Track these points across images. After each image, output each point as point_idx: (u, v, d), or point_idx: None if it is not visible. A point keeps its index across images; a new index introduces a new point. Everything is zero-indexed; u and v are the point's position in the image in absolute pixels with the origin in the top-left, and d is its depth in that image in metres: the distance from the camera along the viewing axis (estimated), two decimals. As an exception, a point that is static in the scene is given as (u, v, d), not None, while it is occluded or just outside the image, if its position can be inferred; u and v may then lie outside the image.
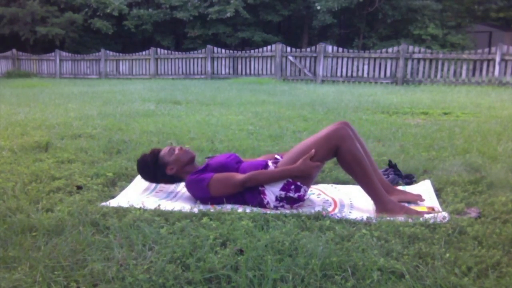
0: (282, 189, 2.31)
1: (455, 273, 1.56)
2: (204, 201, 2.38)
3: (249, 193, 2.35)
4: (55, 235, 1.90)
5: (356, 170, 2.27)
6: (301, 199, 2.35)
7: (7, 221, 2.04)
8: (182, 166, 2.50)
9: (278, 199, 2.32)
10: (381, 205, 2.25)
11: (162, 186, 2.75)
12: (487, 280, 1.52)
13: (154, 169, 2.52)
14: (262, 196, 2.34)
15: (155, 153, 2.55)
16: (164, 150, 2.55)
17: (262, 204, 2.33)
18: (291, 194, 2.32)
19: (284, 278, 1.53)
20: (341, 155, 2.28)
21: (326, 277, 1.55)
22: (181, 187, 2.72)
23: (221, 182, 2.34)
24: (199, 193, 2.38)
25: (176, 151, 2.52)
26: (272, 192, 2.33)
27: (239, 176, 2.34)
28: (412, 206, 2.33)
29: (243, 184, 2.32)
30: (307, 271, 1.56)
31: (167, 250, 1.71)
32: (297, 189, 2.32)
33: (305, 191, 2.35)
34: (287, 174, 2.31)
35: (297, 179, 2.31)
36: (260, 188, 2.33)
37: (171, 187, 2.75)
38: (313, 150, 2.28)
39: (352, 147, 2.26)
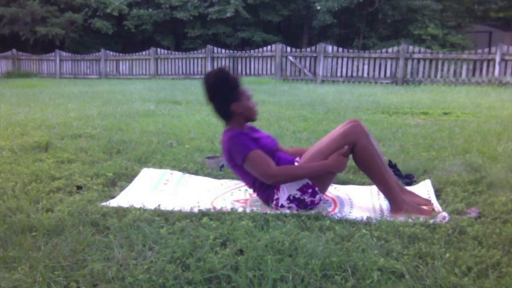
0: (300, 189, 2.28)
1: (455, 273, 1.56)
2: (229, 161, 2.34)
3: (261, 186, 2.33)
4: (55, 235, 1.90)
5: (372, 168, 2.26)
6: (312, 205, 2.31)
7: (7, 221, 2.04)
8: (242, 116, 2.37)
9: (291, 198, 2.29)
10: (396, 204, 2.23)
11: (166, 180, 2.76)
12: (487, 280, 1.52)
13: (225, 87, 2.33)
14: (275, 191, 2.31)
15: (236, 82, 2.36)
16: (248, 91, 2.39)
17: (270, 199, 2.31)
18: (305, 197, 2.28)
19: (284, 278, 1.53)
20: (358, 152, 2.26)
21: (326, 277, 1.55)
22: (183, 186, 2.72)
23: (258, 162, 2.25)
24: (234, 153, 2.29)
25: (252, 103, 2.38)
26: (287, 190, 2.29)
27: (274, 168, 2.25)
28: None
29: (273, 177, 2.24)
30: (307, 271, 1.56)
31: (167, 250, 1.71)
32: (313, 194, 2.29)
33: (319, 199, 2.32)
34: (321, 168, 2.24)
35: (319, 182, 2.28)
36: None
37: (174, 182, 2.75)
38: (346, 146, 2.24)
39: (368, 144, 2.25)
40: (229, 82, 2.35)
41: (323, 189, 2.33)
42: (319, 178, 2.28)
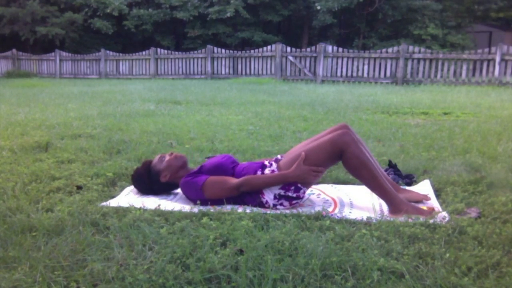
0: (282, 188, 2.31)
1: (455, 273, 1.56)
2: (202, 202, 2.38)
3: (248, 194, 2.35)
4: (55, 235, 1.90)
5: (364, 174, 2.26)
6: (299, 198, 2.35)
7: (7, 221, 2.03)
8: (175, 171, 2.50)
9: (277, 197, 2.32)
10: (394, 206, 2.22)
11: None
12: (487, 280, 1.52)
13: (149, 180, 2.53)
14: (260, 195, 2.33)
15: (147, 164, 2.56)
16: (155, 159, 2.56)
17: (261, 204, 2.33)
18: (289, 193, 2.31)
19: (284, 278, 1.53)
20: (347, 161, 2.26)
21: (326, 277, 1.55)
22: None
23: (215, 185, 2.33)
24: (194, 195, 2.37)
25: (167, 158, 2.53)
26: (270, 191, 2.32)
27: (234, 180, 2.33)
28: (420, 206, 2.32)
29: (238, 188, 2.31)
30: (307, 271, 1.56)
31: (167, 250, 1.71)
32: (297, 190, 2.32)
33: (304, 193, 2.36)
34: (282, 179, 2.29)
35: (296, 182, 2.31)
36: None
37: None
38: (303, 153, 2.28)
39: (357, 151, 2.24)
40: (142, 176, 2.53)
41: (306, 186, 2.35)
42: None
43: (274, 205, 2.32)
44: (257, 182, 2.31)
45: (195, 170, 2.47)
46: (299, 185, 2.31)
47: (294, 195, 2.32)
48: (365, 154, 2.28)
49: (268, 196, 2.33)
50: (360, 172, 2.27)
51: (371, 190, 2.32)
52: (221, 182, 2.34)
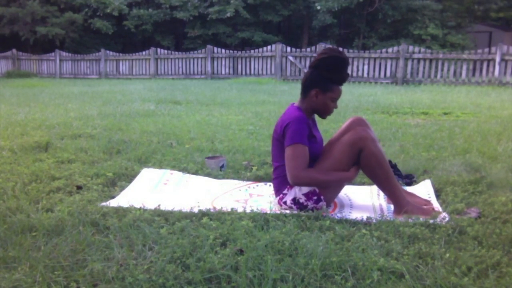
0: (305, 195, 2.26)
1: (455, 273, 1.56)
2: (277, 132, 2.31)
3: (283, 173, 2.30)
4: (55, 235, 1.90)
5: (379, 174, 2.23)
6: (312, 210, 2.27)
7: (7, 221, 2.04)
8: (314, 109, 2.35)
9: (295, 201, 2.28)
10: (400, 207, 2.21)
11: (166, 180, 2.76)
12: (487, 280, 1.52)
13: (329, 71, 2.25)
14: (287, 186, 2.30)
15: (340, 79, 2.28)
16: (338, 93, 2.30)
17: (280, 191, 2.32)
18: (309, 203, 2.26)
19: (284, 278, 1.53)
20: (365, 159, 2.22)
21: (326, 277, 1.55)
22: (183, 186, 2.72)
23: (296, 155, 2.20)
24: (287, 133, 2.25)
25: (330, 108, 2.33)
26: (295, 192, 2.28)
27: (300, 171, 2.20)
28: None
29: (295, 178, 2.21)
30: (307, 271, 1.56)
31: (167, 250, 1.71)
32: (317, 201, 2.26)
33: (321, 207, 2.27)
34: (343, 179, 2.25)
35: (326, 192, 2.27)
36: None
37: (175, 182, 2.75)
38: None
39: (375, 149, 2.21)
40: (335, 72, 2.26)
41: (329, 199, 2.30)
42: (328, 188, 2.27)
43: (285, 203, 2.30)
44: (321, 179, 2.22)
45: (312, 131, 2.32)
46: (322, 197, 2.26)
47: (311, 206, 2.26)
48: (382, 152, 2.24)
49: (289, 194, 2.29)
50: (376, 171, 2.23)
51: (382, 189, 2.29)
52: (301, 161, 2.20)
